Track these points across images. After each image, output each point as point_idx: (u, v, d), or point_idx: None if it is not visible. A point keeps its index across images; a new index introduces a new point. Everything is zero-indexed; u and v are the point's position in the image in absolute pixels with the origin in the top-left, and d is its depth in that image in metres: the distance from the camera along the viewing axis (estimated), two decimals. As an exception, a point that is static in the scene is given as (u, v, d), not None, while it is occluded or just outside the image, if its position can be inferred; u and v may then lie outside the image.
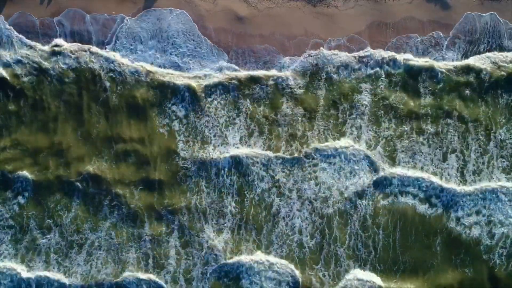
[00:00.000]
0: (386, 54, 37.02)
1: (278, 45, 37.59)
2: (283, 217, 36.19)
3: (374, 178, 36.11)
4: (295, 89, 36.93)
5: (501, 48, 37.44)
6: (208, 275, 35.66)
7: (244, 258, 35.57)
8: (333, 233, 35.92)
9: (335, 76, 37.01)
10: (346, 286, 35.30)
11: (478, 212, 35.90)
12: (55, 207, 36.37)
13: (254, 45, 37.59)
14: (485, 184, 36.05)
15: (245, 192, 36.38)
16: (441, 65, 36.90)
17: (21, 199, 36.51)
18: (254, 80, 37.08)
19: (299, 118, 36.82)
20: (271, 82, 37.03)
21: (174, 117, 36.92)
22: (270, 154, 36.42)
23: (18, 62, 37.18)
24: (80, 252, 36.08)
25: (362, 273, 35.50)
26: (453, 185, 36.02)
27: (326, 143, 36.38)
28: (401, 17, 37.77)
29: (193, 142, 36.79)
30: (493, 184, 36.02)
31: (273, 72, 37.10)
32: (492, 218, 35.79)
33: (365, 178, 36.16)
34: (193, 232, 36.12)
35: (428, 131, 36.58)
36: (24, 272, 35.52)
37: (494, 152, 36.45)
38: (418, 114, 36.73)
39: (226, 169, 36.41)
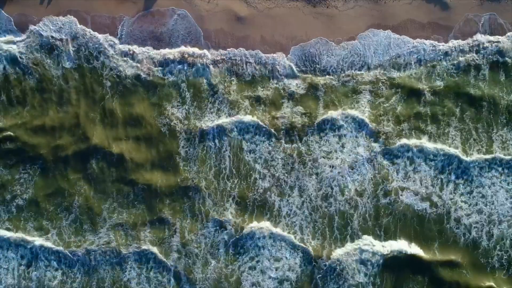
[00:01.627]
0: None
1: (278, 45, 37.57)
2: (284, 216, 36.16)
3: (379, 150, 36.16)
4: (296, 90, 36.96)
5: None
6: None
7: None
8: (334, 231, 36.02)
9: (335, 80, 37.09)
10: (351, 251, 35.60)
11: (479, 212, 35.97)
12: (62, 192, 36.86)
13: (254, 45, 37.57)
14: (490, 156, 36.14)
15: (246, 193, 36.42)
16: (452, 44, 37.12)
17: (20, 201, 36.74)
18: (255, 82, 37.23)
19: (299, 116, 36.79)
20: (272, 85, 37.08)
21: (174, 118, 36.95)
22: (272, 130, 36.55)
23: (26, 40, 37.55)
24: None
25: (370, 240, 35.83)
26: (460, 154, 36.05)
27: (325, 115, 36.49)
28: (401, 17, 37.79)
29: (194, 138, 36.77)
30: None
31: (273, 55, 37.22)
32: (492, 218, 35.83)
33: (367, 148, 36.26)
34: (193, 235, 36.16)
35: (429, 131, 36.63)
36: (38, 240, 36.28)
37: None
38: (418, 115, 36.78)
39: (227, 171, 36.40)
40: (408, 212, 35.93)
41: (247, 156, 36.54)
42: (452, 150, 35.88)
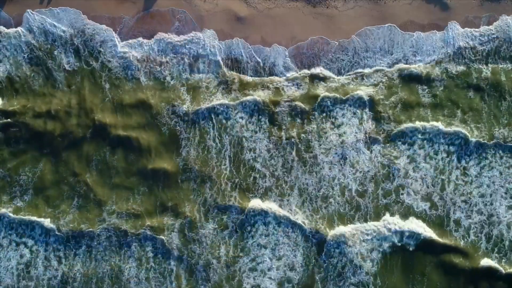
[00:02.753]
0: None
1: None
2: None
3: (380, 138, 36.25)
4: (296, 88, 37.01)
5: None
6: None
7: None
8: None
9: (335, 80, 37.14)
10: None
11: (479, 212, 35.98)
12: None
13: (254, 46, 37.59)
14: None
15: (247, 193, 36.44)
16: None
17: (21, 201, 36.68)
18: (255, 81, 37.27)
19: (300, 110, 36.89)
20: (272, 84, 37.12)
21: (174, 117, 36.96)
22: (275, 120, 36.75)
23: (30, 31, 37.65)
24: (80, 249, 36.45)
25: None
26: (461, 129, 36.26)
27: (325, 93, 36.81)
28: (401, 18, 37.88)
29: (194, 138, 36.80)
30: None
31: (273, 49, 37.36)
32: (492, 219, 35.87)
33: (367, 146, 36.38)
34: (193, 234, 36.17)
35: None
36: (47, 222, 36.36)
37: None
38: (419, 111, 36.82)
39: (227, 171, 36.41)
40: (408, 213, 35.94)
41: (247, 155, 36.51)
42: (457, 129, 36.07)
